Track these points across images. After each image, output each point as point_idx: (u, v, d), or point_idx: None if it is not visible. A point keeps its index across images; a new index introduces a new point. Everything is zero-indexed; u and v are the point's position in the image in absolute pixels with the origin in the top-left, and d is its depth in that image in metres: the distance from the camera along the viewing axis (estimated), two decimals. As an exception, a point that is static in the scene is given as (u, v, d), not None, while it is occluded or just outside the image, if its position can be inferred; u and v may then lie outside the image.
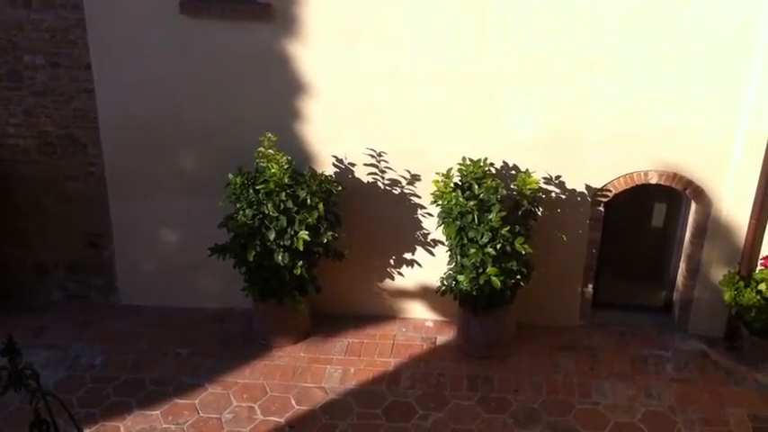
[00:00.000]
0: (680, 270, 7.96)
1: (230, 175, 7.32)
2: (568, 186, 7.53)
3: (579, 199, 7.56)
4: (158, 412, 7.01)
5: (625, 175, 7.43)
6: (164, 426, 6.87)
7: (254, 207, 7.16)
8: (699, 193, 7.43)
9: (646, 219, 7.99)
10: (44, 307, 8.37)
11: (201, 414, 7.00)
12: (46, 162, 7.96)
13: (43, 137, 7.87)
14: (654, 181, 7.43)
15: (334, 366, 7.57)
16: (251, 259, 7.17)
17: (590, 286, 7.97)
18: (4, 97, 7.73)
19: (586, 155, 7.38)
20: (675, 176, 7.38)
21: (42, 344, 7.75)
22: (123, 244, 8.19)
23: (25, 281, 8.45)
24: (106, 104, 7.65)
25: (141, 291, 8.34)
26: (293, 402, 7.14)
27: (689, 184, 7.40)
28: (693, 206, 7.59)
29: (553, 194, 7.56)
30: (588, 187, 7.51)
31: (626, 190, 7.51)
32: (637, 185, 7.48)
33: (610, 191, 7.52)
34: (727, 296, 7.43)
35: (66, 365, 7.53)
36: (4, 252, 8.28)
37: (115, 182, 7.93)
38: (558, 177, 7.50)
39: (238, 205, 7.22)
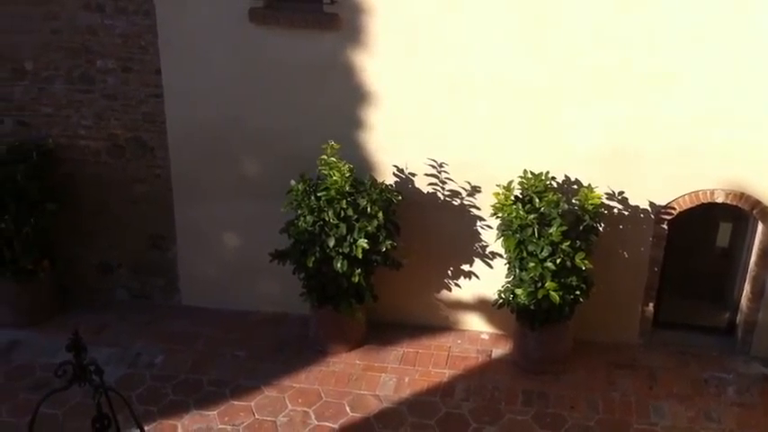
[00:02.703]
0: (744, 292, 7.77)
1: (292, 182, 7.41)
2: (631, 203, 7.43)
3: (642, 216, 7.45)
4: (215, 413, 7.12)
5: (690, 193, 7.30)
6: (220, 426, 6.97)
7: (315, 214, 7.23)
8: (766, 214, 7.25)
9: (710, 238, 7.83)
10: (107, 305, 8.56)
11: (257, 416, 7.08)
12: (114, 164, 8.15)
13: (112, 139, 8.06)
14: (720, 200, 7.28)
15: (388, 375, 7.59)
16: (310, 265, 7.24)
17: (651, 305, 7.83)
18: (77, 100, 7.94)
19: (650, 171, 7.28)
20: (743, 196, 7.23)
21: (105, 341, 7.93)
22: (186, 246, 8.34)
23: (90, 279, 8.66)
24: (174, 109, 7.81)
25: (202, 292, 8.48)
26: (347, 409, 7.18)
27: (756, 204, 7.23)
28: (760, 227, 7.40)
29: (615, 210, 7.46)
30: (652, 204, 7.40)
31: (691, 208, 7.38)
32: (702, 204, 7.34)
33: (674, 208, 7.39)
34: (793, 320, 7.25)
35: (127, 363, 7.69)
36: (70, 251, 8.50)
37: (180, 185, 8.09)
38: (620, 193, 7.41)
39: (299, 211, 7.30)
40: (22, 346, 7.90)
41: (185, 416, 7.08)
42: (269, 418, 7.06)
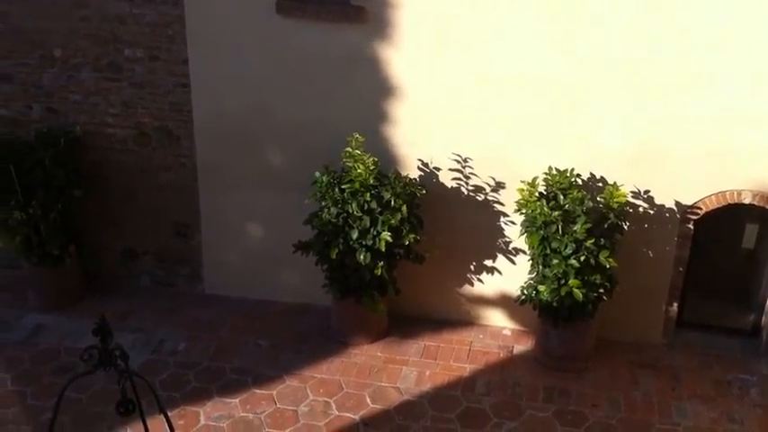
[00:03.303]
0: (770, 294, 7.72)
1: (317, 174, 7.42)
2: (657, 201, 7.38)
3: (668, 215, 7.40)
4: (237, 400, 7.17)
5: (717, 194, 7.25)
6: (242, 414, 7.03)
7: (339, 206, 7.24)
8: (794, 216, 7.19)
9: (736, 239, 7.75)
10: (132, 292, 8.63)
11: (279, 405, 7.13)
12: (141, 152, 8.20)
13: (139, 127, 8.11)
14: (747, 201, 7.22)
15: (410, 368, 7.61)
16: (333, 257, 7.26)
17: (675, 305, 7.78)
18: (104, 88, 7.99)
19: (677, 170, 7.22)
20: (770, 197, 7.17)
21: (129, 327, 8.00)
22: (210, 235, 8.39)
23: (115, 266, 8.73)
24: (200, 99, 7.84)
25: (225, 281, 8.53)
26: (368, 400, 7.20)
27: (784, 205, 7.17)
28: (788, 228, 7.35)
29: (641, 209, 7.42)
30: (678, 204, 7.35)
31: (717, 208, 7.31)
32: (729, 204, 7.28)
33: (700, 208, 7.33)
34: (819, 323, 7.17)
35: (150, 349, 7.77)
36: (96, 237, 8.57)
37: (206, 174, 8.13)
38: (646, 192, 7.36)
39: (323, 203, 7.32)
40: (47, 330, 8.00)
41: (208, 403, 7.14)
42: (290, 408, 7.11)
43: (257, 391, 7.28)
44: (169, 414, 4.52)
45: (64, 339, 7.82)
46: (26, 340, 7.86)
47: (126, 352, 4.04)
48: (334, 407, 7.13)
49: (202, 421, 6.96)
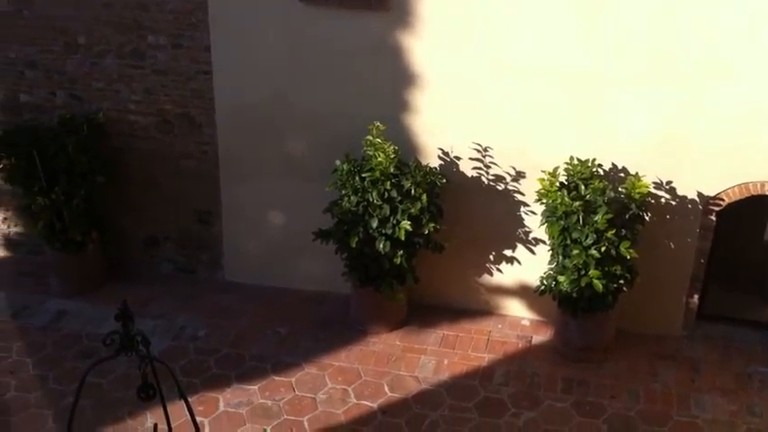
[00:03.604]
0: (793, 286, 7.65)
1: (337, 162, 7.43)
2: (679, 192, 7.33)
3: (690, 206, 7.35)
4: (256, 387, 7.21)
5: (740, 185, 7.18)
6: (261, 401, 7.07)
7: (359, 194, 7.25)
8: (818, 208, 7.12)
9: (759, 231, 7.69)
10: (153, 278, 8.69)
11: (297, 392, 7.17)
12: (162, 139, 8.23)
13: (161, 115, 8.14)
14: (771, 192, 7.17)
15: (428, 357, 7.61)
16: (353, 245, 7.28)
17: (696, 296, 7.73)
18: (127, 75, 8.03)
19: (700, 161, 7.16)
20: (794, 189, 7.10)
21: (150, 313, 8.06)
22: (231, 222, 8.43)
23: (136, 252, 8.79)
24: (223, 87, 7.86)
25: (245, 269, 8.57)
26: (386, 389, 7.22)
27: (808, 197, 7.10)
28: (812, 221, 7.28)
29: (663, 200, 7.37)
30: (700, 195, 7.29)
31: (740, 200, 7.25)
32: (752, 196, 7.21)
33: (723, 200, 7.27)
34: (842, 317, 7.10)
35: (171, 335, 7.82)
36: (118, 224, 8.63)
37: (227, 162, 8.16)
38: (668, 183, 7.31)
39: (344, 192, 7.33)
40: (69, 315, 8.08)
41: (227, 389, 7.18)
42: (309, 395, 7.14)
43: (276, 378, 7.32)
44: (189, 400, 4.56)
45: (86, 325, 7.90)
46: (48, 325, 7.94)
47: (147, 337, 4.07)
48: (352, 395, 7.16)
49: (222, 407, 7.01)
